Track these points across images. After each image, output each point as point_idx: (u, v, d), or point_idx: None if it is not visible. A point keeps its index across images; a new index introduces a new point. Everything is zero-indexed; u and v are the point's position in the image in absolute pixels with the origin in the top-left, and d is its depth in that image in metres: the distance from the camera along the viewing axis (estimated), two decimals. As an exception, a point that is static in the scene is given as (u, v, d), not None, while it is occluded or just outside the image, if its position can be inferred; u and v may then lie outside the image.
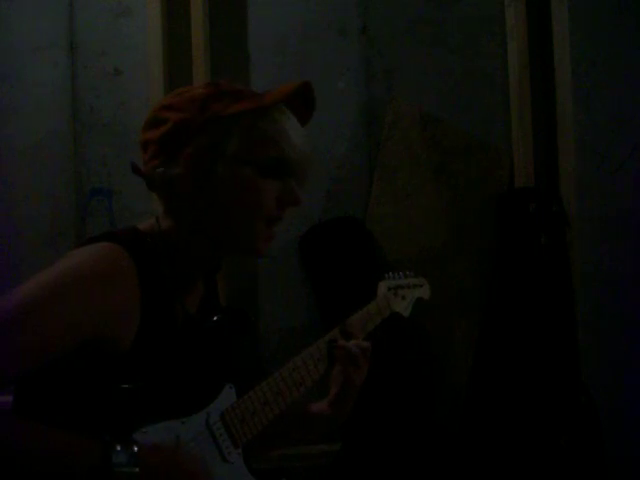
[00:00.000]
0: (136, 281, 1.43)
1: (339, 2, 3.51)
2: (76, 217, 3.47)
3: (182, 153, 1.48)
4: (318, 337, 1.73)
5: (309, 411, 1.74)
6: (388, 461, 3.15)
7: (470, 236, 3.41)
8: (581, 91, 3.26)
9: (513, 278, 3.28)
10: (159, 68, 3.33)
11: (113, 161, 3.43)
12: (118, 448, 1.31)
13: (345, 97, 3.43)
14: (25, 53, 3.36)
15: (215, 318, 1.58)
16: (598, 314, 3.23)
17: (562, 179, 3.33)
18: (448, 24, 3.49)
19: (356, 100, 3.46)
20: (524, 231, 3.28)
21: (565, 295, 3.24)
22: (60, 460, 1.30)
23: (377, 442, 3.19)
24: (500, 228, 3.36)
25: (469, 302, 3.36)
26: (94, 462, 1.30)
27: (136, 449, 1.32)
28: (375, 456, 3.17)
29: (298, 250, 3.40)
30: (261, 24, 3.46)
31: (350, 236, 3.39)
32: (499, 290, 3.32)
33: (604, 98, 3.26)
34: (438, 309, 3.15)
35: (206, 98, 1.49)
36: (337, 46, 3.47)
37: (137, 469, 1.31)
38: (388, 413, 3.18)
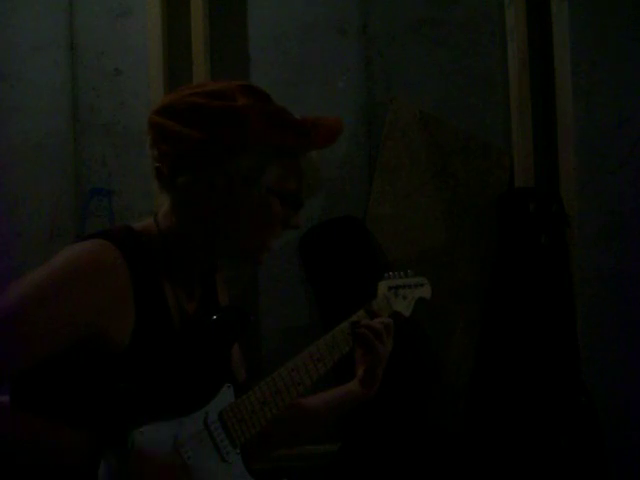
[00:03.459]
0: (127, 276, 1.43)
1: (339, 2, 3.51)
2: (76, 217, 3.46)
3: (215, 166, 1.47)
4: (318, 337, 1.73)
5: (337, 394, 1.78)
6: (388, 461, 3.15)
7: (470, 236, 3.41)
8: (581, 91, 3.26)
9: (513, 278, 3.28)
10: (159, 68, 3.33)
11: (113, 161, 3.43)
12: (106, 448, 1.32)
13: (345, 97, 3.42)
14: (25, 53, 3.35)
15: (213, 318, 1.58)
16: (598, 314, 3.23)
17: (562, 179, 3.33)
18: (448, 24, 3.49)
19: (356, 100, 3.46)
20: (524, 231, 3.28)
21: (565, 295, 3.24)
22: (50, 454, 1.31)
23: (376, 442, 3.18)
24: (500, 228, 3.35)
25: (469, 302, 3.36)
26: (81, 460, 1.31)
27: (122, 450, 1.33)
28: (374, 456, 3.17)
29: (298, 250, 3.40)
30: (261, 24, 3.46)
31: (350, 236, 3.39)
32: (499, 290, 3.32)
33: (604, 98, 3.26)
34: (438, 309, 3.15)
35: (250, 113, 1.48)
36: (337, 46, 3.46)
37: (121, 469, 1.32)
38: (388, 413, 3.17)
